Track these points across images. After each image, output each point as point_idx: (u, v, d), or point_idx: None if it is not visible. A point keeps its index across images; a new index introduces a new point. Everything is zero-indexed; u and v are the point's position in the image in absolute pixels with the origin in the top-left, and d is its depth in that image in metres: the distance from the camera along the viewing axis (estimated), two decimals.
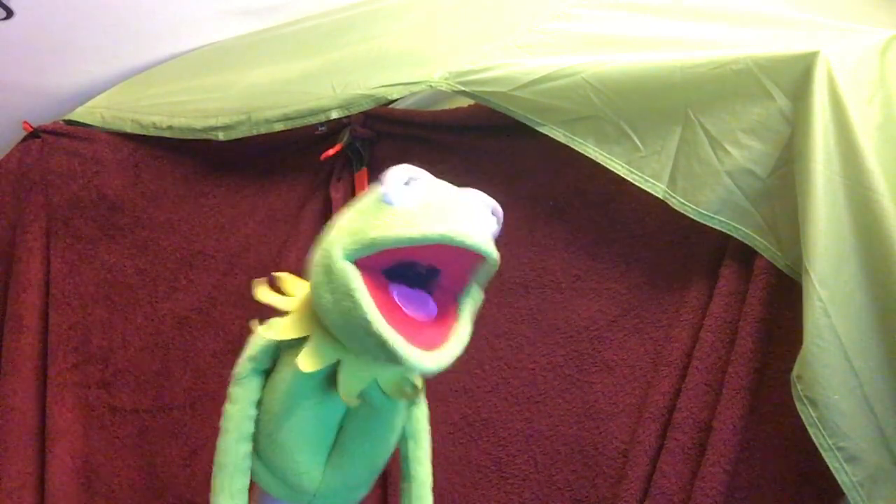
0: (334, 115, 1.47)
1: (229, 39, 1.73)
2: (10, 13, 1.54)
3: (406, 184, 0.89)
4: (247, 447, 0.98)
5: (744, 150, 1.15)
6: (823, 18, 1.21)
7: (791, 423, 1.09)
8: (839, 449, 1.02)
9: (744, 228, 1.17)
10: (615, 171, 1.24)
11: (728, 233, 1.18)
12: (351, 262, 0.87)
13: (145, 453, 1.66)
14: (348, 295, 0.86)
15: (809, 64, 1.09)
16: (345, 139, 1.53)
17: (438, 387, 1.43)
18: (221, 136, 1.58)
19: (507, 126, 1.35)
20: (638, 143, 1.23)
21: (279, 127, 1.51)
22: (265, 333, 0.98)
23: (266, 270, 1.60)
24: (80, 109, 1.78)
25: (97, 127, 1.75)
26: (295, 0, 1.65)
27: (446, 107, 1.48)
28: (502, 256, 1.47)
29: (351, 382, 0.95)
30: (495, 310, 1.40)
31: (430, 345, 0.88)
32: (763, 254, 1.16)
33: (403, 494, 1.06)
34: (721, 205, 1.17)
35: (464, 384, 1.41)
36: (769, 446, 1.16)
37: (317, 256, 0.92)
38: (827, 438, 1.03)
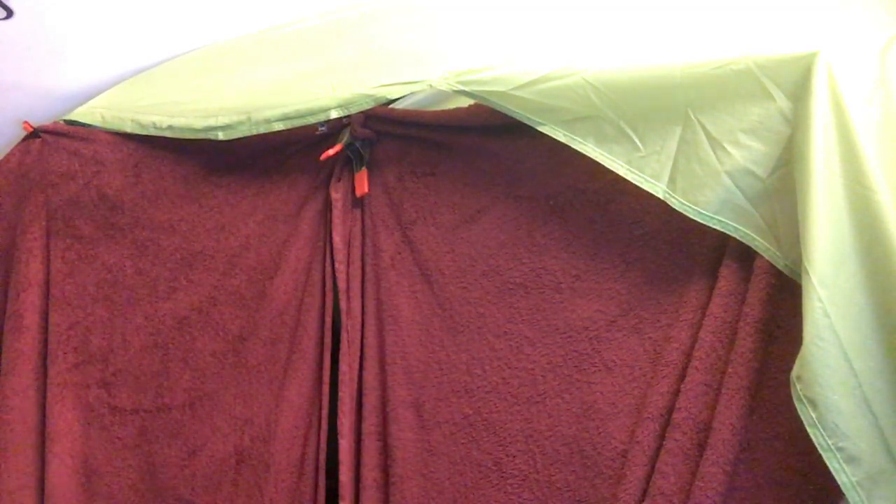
0: (334, 114, 1.47)
1: (229, 39, 1.73)
2: (10, 13, 1.55)
3: None
4: None
5: (744, 150, 1.15)
6: (823, 18, 1.21)
7: (791, 423, 1.09)
8: (839, 449, 1.02)
9: (744, 229, 1.17)
10: (615, 170, 1.24)
11: (728, 233, 1.18)
12: None
13: (145, 453, 1.66)
14: None
15: (809, 64, 1.09)
16: (345, 139, 1.53)
17: (439, 387, 1.43)
18: (221, 136, 1.58)
19: (507, 126, 1.35)
20: (638, 143, 1.23)
21: (279, 127, 1.51)
22: None
23: (266, 270, 1.62)
24: (80, 109, 1.78)
25: (97, 127, 1.75)
26: (295, 0, 1.66)
27: (446, 107, 1.48)
28: (502, 257, 1.46)
29: None
30: (495, 310, 1.40)
31: None
32: (763, 254, 1.16)
33: None
34: (721, 205, 1.17)
35: (464, 384, 1.41)
36: (769, 446, 1.16)
37: None
38: (826, 439, 1.02)
